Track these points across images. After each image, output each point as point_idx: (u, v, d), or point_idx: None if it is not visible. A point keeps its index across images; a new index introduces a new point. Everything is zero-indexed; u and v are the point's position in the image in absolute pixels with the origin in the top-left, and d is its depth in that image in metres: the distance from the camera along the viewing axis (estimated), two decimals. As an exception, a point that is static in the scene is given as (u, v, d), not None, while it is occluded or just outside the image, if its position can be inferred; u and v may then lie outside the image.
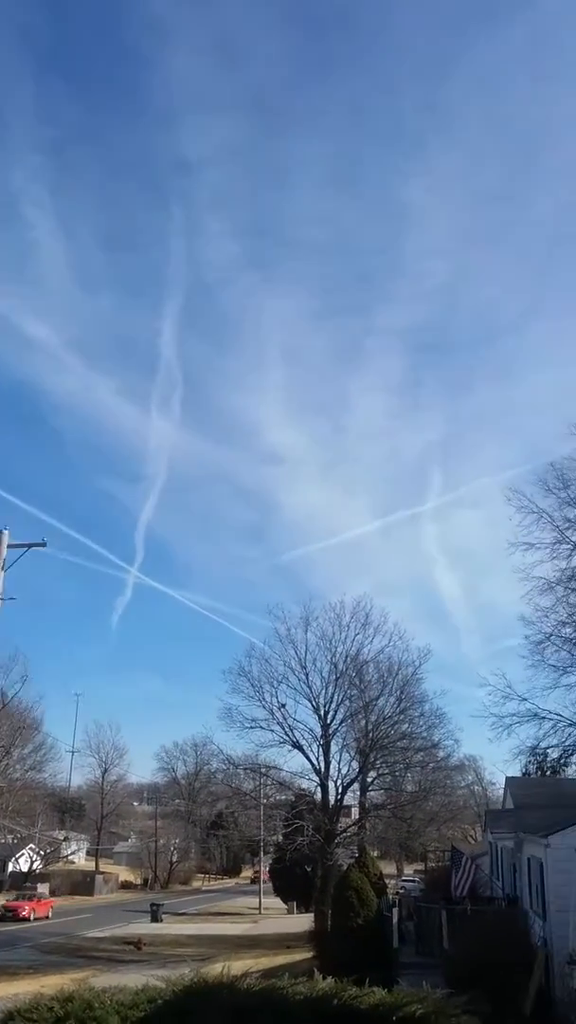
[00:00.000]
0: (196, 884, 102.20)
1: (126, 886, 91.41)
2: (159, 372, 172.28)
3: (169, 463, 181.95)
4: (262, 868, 68.89)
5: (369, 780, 42.55)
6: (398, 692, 40.97)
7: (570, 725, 31.65)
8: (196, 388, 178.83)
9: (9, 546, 23.36)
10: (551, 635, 31.77)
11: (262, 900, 63.86)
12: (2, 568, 23.12)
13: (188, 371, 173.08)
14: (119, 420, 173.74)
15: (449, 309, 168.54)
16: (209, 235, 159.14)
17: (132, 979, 27.09)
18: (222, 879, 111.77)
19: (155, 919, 51.67)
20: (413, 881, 57.23)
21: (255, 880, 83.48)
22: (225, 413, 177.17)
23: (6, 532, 23.38)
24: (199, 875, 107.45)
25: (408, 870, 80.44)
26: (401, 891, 45.97)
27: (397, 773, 43.69)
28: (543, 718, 31.79)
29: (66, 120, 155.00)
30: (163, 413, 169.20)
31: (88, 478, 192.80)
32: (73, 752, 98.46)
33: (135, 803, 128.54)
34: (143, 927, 47.25)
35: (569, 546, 32.04)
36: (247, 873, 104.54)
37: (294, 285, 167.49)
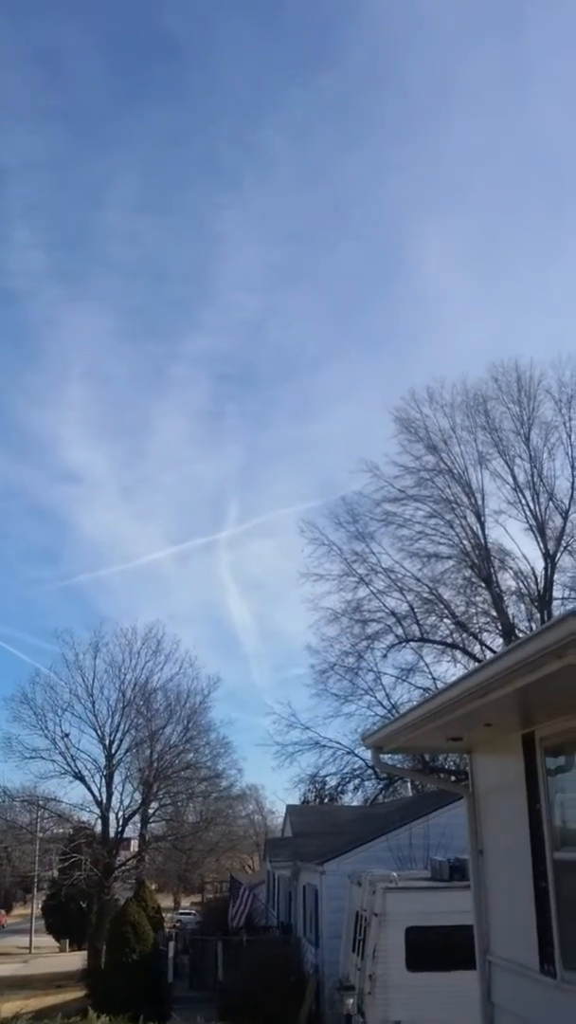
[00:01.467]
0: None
1: None
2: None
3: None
4: (34, 905, 66.14)
5: (151, 811, 42.11)
6: (185, 721, 40.98)
7: (348, 753, 32.97)
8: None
9: None
10: (335, 664, 33.08)
11: (33, 939, 61.23)
12: None
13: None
14: None
15: (254, 342, 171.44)
16: (16, 244, 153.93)
17: None
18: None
19: None
20: (190, 914, 56.72)
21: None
22: (21, 427, 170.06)
23: None
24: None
25: (185, 902, 79.67)
26: (178, 924, 45.52)
27: (179, 803, 43.51)
28: (324, 746, 32.95)
29: None
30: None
31: None
32: None
33: None
34: None
35: (355, 579, 33.56)
36: (20, 911, 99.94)
37: (101, 303, 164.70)
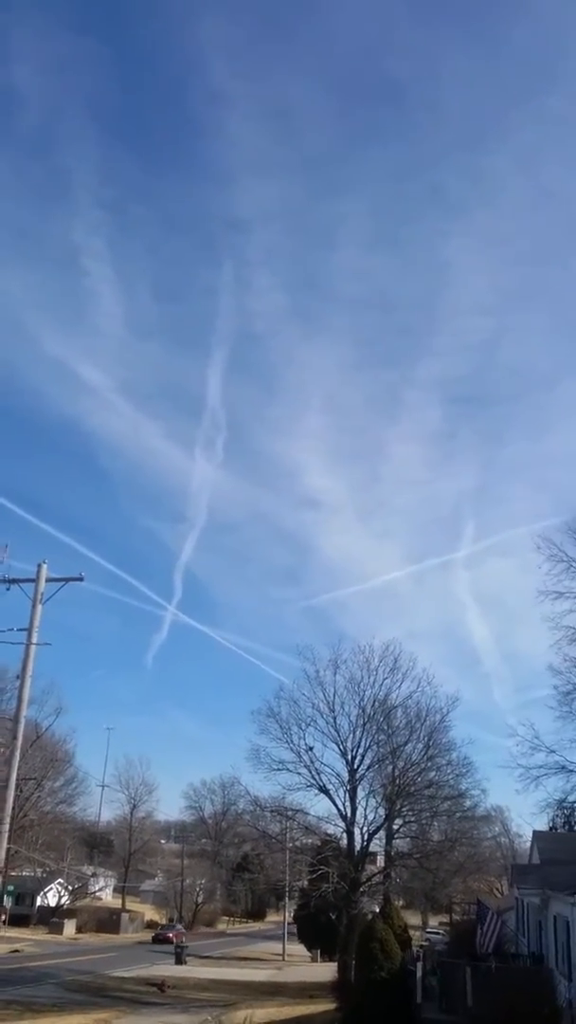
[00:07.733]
0: (221, 927, 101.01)
1: (152, 925, 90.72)
2: (204, 416, 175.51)
3: (210, 504, 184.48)
4: (286, 913, 68.17)
5: (395, 828, 42.04)
6: (426, 739, 40.53)
7: (600, 780, 31.17)
8: (239, 433, 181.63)
9: (48, 580, 23.82)
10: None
11: (286, 946, 63.09)
12: (40, 601, 23.55)
13: (232, 416, 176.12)
14: (164, 462, 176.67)
15: (487, 363, 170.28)
16: (257, 289, 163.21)
17: (154, 1022, 27.01)
18: (247, 922, 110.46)
19: (179, 961, 51.25)
20: (438, 934, 56.22)
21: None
22: (266, 458, 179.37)
23: (44, 565, 23.85)
24: (224, 917, 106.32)
25: (433, 922, 78.99)
26: (426, 943, 45.21)
27: (423, 821, 43.09)
28: (571, 771, 31.41)
29: (127, 181, 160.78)
30: (207, 456, 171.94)
31: (132, 516, 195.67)
32: (103, 787, 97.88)
33: (163, 841, 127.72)
34: (167, 969, 46.86)
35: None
36: (273, 917, 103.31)
37: (336, 337, 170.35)
